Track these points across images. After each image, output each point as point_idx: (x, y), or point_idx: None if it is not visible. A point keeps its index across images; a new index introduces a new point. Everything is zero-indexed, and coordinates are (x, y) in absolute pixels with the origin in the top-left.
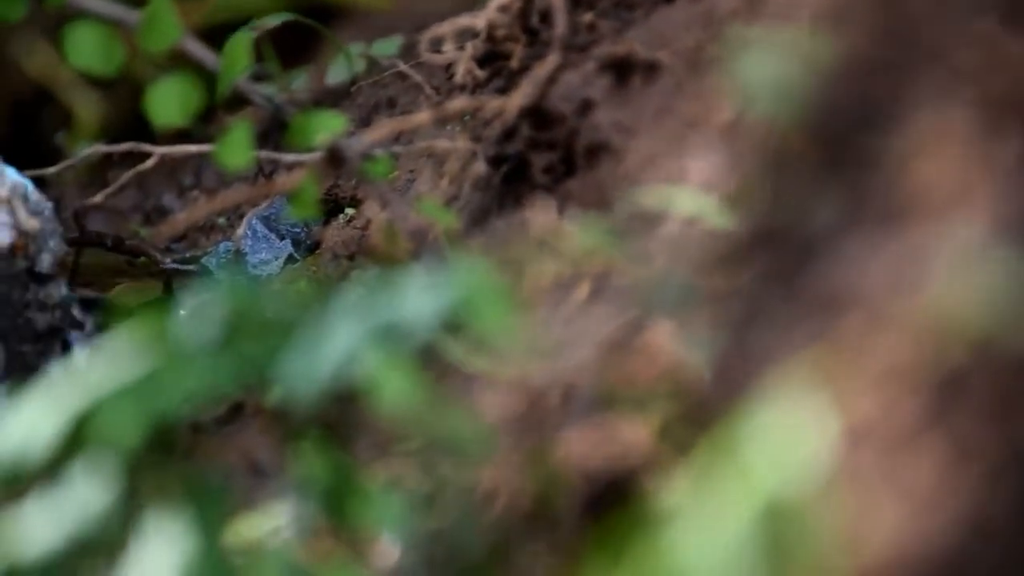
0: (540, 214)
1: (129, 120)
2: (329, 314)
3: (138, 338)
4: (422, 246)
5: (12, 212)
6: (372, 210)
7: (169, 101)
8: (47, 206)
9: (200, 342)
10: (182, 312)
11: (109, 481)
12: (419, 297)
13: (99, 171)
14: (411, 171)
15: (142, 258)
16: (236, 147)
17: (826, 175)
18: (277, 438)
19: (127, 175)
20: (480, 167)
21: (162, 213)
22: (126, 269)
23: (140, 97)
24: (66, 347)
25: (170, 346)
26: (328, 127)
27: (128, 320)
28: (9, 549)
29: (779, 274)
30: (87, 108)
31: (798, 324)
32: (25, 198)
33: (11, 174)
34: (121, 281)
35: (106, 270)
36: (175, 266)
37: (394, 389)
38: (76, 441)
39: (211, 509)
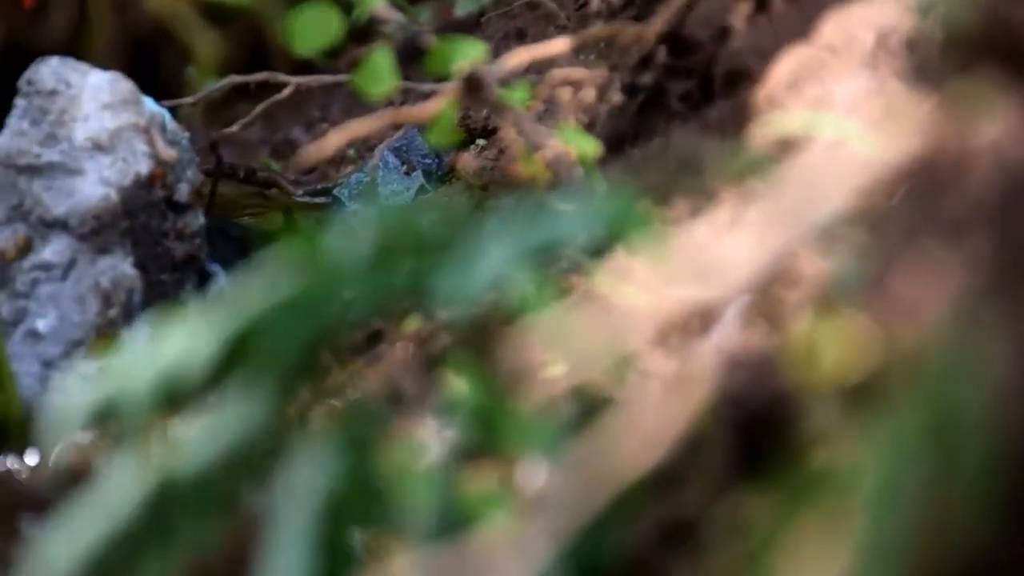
0: (679, 141)
1: (246, 56)
2: (482, 233)
3: (292, 258)
4: (560, 174)
5: (150, 142)
6: (509, 138)
7: (311, 28)
8: (184, 136)
9: (353, 261)
10: (334, 231)
11: (263, 400)
12: (570, 220)
13: (222, 105)
14: (547, 100)
15: (273, 189)
16: (377, 75)
17: (1002, 87)
18: (421, 362)
19: (262, 105)
20: (616, 95)
21: (290, 146)
22: (258, 201)
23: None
24: (203, 276)
25: (324, 265)
26: (467, 54)
27: (281, 241)
28: (166, 465)
29: (934, 195)
30: (206, 45)
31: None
32: (163, 128)
33: (149, 104)
34: (253, 212)
35: (238, 201)
36: (306, 198)
37: (543, 310)
38: (232, 360)
39: (362, 430)
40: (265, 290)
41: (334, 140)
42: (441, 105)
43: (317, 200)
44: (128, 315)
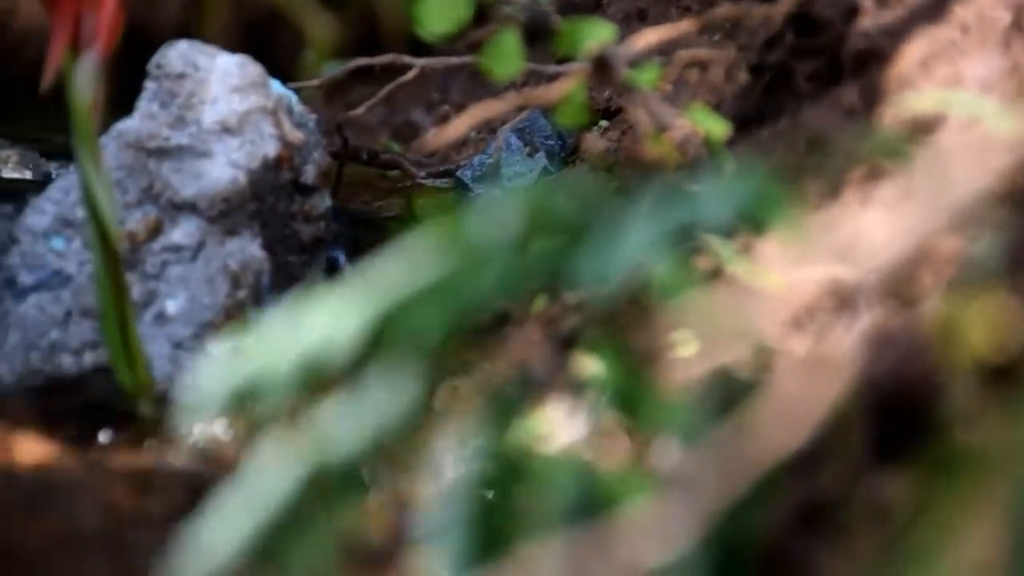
0: (808, 121)
1: (359, 39)
2: (620, 215)
3: (434, 240)
4: (688, 155)
5: (278, 124)
6: (637, 119)
7: (439, 11)
8: (311, 118)
9: (496, 242)
10: (476, 213)
11: (407, 383)
12: (707, 201)
13: (340, 87)
14: (675, 81)
15: (396, 171)
16: (505, 56)
17: None
18: (553, 343)
19: (388, 87)
20: (743, 76)
21: (410, 128)
22: (380, 183)
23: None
24: (330, 258)
25: (466, 247)
26: (596, 35)
27: (424, 222)
28: (312, 448)
29: None
30: (320, 28)
31: None
32: (290, 110)
33: (276, 87)
34: (376, 194)
35: (360, 183)
36: (429, 180)
37: (681, 292)
38: (377, 341)
39: (505, 411)
40: (408, 271)
41: (463, 122)
42: (569, 86)
43: (439, 182)
44: (256, 297)
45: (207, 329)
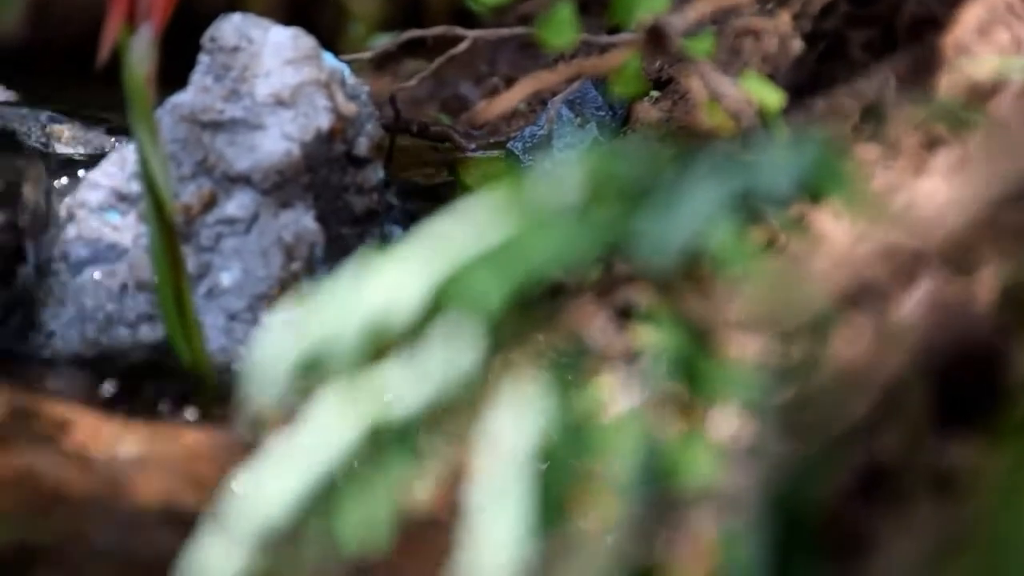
0: (863, 89)
1: (401, 12)
2: (683, 181)
3: (496, 205)
4: (742, 124)
5: (330, 97)
6: (692, 89)
7: None
8: (363, 91)
9: (558, 206)
10: (538, 179)
11: (469, 345)
12: (768, 168)
13: (387, 60)
14: (729, 50)
15: (446, 144)
16: (561, 26)
17: None
18: (609, 312)
19: (440, 58)
20: (797, 44)
21: (458, 101)
22: (430, 155)
23: None
24: (383, 230)
25: (528, 212)
26: (651, 5)
27: (485, 187)
28: (370, 408)
29: None
30: (364, 2)
31: None
32: (342, 83)
33: (328, 59)
34: (427, 166)
35: (411, 156)
36: (479, 152)
37: (742, 260)
38: (438, 304)
39: (572, 377)
40: (468, 236)
41: (516, 92)
42: (623, 57)
43: (489, 154)
44: (310, 269)
45: (261, 301)
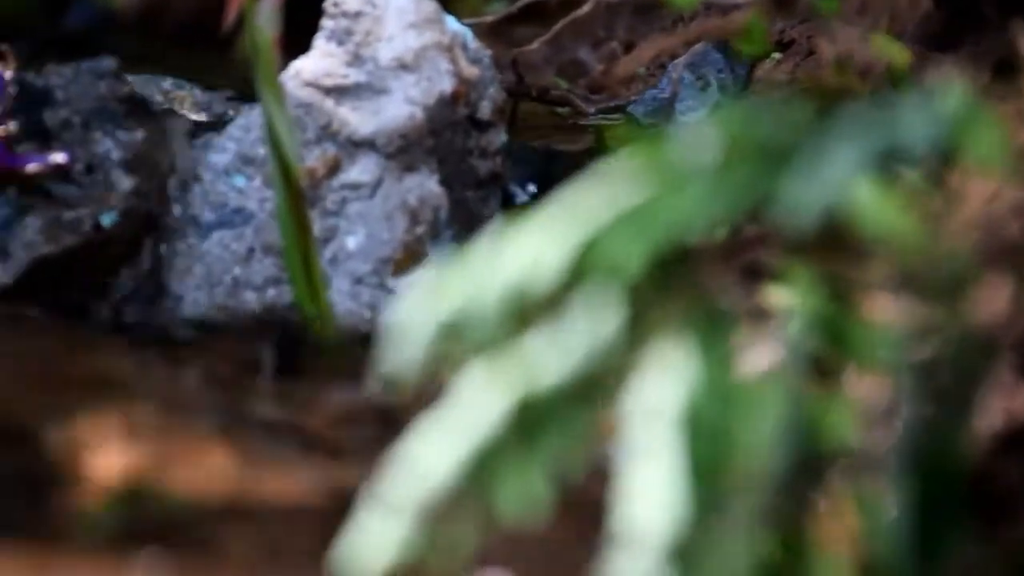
0: (994, 46)
1: None
2: (826, 138)
3: (633, 167)
4: (870, 83)
5: (453, 60)
6: (820, 47)
7: None
8: (486, 54)
9: (696, 167)
10: (674, 139)
11: (611, 311)
12: (911, 124)
13: (503, 25)
14: (857, 9)
15: (566, 108)
16: None
17: None
18: (740, 273)
19: (562, 21)
20: (926, 2)
21: (575, 66)
22: (550, 119)
23: None
24: (506, 194)
25: (666, 173)
26: None
27: (622, 149)
28: (521, 379)
29: None
30: None
31: None
32: (465, 46)
33: (451, 23)
34: (547, 131)
35: (530, 120)
36: (599, 116)
37: (885, 218)
38: (578, 270)
39: (715, 338)
40: (608, 199)
41: (643, 55)
42: (747, 18)
43: (610, 118)
44: (435, 232)
45: (386, 265)
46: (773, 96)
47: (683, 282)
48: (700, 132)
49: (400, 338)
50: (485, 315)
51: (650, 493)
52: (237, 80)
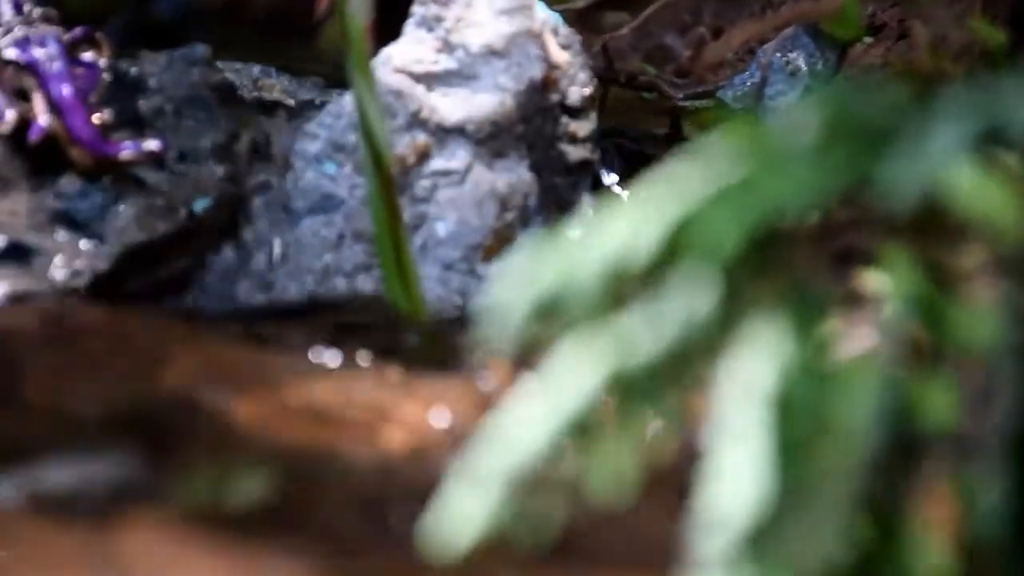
0: None
1: None
2: (928, 119)
3: (730, 147)
4: (965, 66)
5: (543, 46)
6: (915, 30)
7: None
8: (575, 40)
9: (794, 148)
10: (771, 120)
11: (707, 289)
12: (1015, 104)
13: (588, 11)
14: None
15: (654, 93)
16: None
17: None
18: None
19: (653, 6)
20: None
21: (662, 51)
22: (637, 105)
23: None
24: (596, 180)
25: (763, 153)
26: None
27: (720, 128)
28: (614, 355)
29: None
30: None
31: None
32: (555, 32)
33: (540, 8)
34: (636, 116)
35: (618, 105)
36: (688, 101)
37: (986, 201)
38: (674, 248)
39: (810, 320)
40: (704, 178)
41: (735, 40)
42: (838, 2)
43: (699, 103)
44: (524, 219)
45: (475, 251)
46: (870, 79)
47: (778, 263)
48: (798, 113)
49: (497, 316)
50: (581, 292)
51: (738, 473)
52: (323, 66)
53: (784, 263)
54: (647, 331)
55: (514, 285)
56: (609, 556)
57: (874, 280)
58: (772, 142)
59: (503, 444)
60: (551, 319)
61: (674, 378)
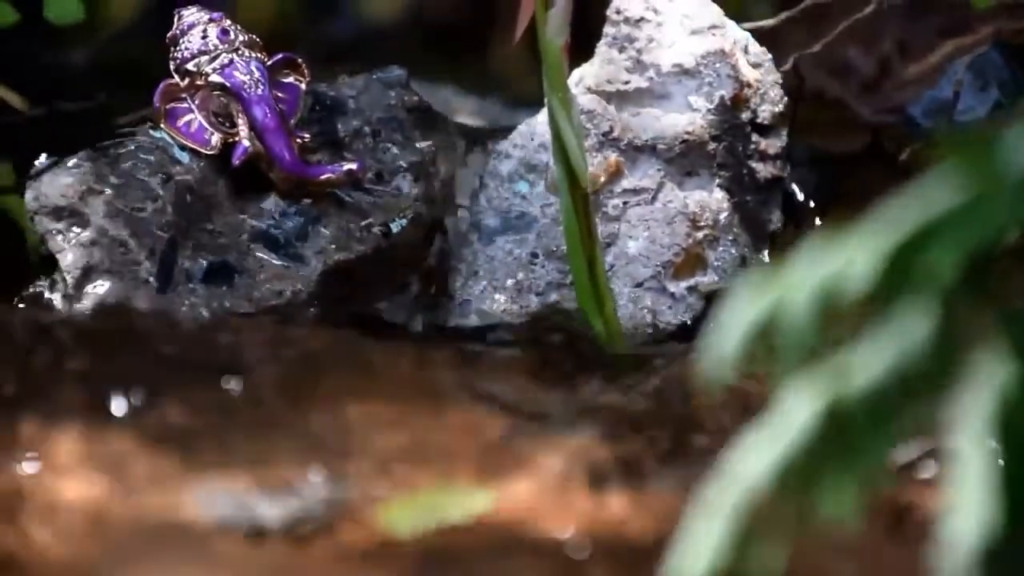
0: None
1: None
2: None
3: (960, 168)
4: None
5: (734, 65)
6: None
7: None
8: (767, 57)
9: (1014, 172)
10: (998, 142)
11: (924, 317)
12: None
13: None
14: None
15: (841, 110)
16: None
17: None
18: None
19: (845, 22)
20: None
21: (847, 68)
22: (825, 121)
23: None
24: (787, 198)
25: (994, 174)
26: None
27: (950, 150)
28: (830, 383)
29: None
30: None
31: None
32: (745, 50)
33: (732, 27)
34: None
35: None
36: (876, 117)
37: None
38: (891, 275)
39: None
40: (924, 203)
41: (935, 57)
42: None
43: (887, 120)
44: (715, 237)
45: (666, 269)
46: None
47: (996, 288)
48: (1017, 135)
49: (718, 338)
50: (795, 318)
51: (963, 501)
52: (501, 85)
53: (1003, 288)
54: (865, 360)
55: (736, 308)
56: None
57: None
58: (1002, 164)
59: (732, 476)
60: (767, 342)
61: (893, 406)
